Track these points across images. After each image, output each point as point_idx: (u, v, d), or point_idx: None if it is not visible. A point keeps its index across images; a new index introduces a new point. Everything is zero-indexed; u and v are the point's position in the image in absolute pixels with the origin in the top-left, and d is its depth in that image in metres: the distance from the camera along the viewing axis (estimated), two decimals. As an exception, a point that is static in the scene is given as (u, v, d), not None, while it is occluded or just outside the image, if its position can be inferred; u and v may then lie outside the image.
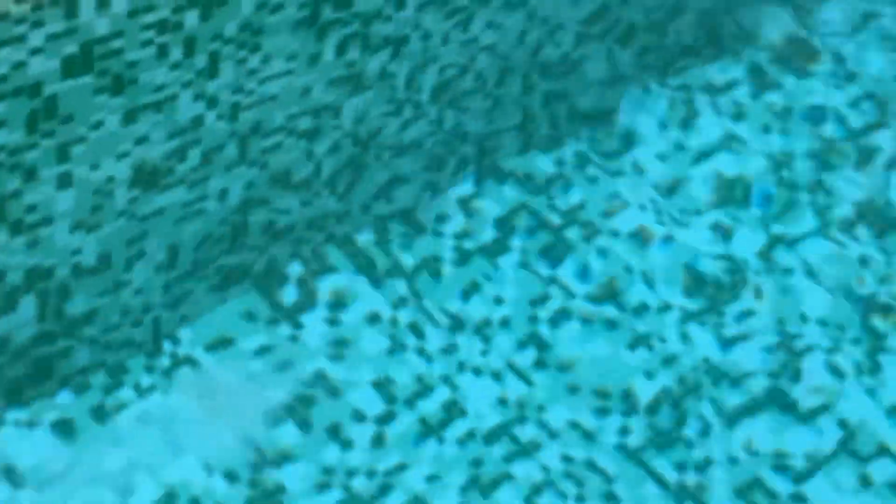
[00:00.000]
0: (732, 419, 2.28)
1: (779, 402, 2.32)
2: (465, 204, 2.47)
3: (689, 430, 2.25)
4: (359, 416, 2.18)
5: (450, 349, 2.30)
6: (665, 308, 2.41)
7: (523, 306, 2.37)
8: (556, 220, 2.49)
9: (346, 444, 2.14)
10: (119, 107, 1.86)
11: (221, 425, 2.08)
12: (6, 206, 1.85)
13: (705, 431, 2.25)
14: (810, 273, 2.51)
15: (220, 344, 2.19)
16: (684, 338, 2.37)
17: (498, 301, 2.37)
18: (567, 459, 2.17)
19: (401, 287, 2.34)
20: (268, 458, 2.09)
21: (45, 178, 1.85)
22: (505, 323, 2.34)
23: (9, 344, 2.01)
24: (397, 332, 2.28)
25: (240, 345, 2.18)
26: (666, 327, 2.38)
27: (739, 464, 2.22)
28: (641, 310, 2.40)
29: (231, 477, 2.05)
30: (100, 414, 2.07)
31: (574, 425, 2.21)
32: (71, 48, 1.76)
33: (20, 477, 1.98)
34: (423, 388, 2.23)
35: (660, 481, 2.16)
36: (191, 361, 2.17)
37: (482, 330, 2.33)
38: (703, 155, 2.69)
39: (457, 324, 2.33)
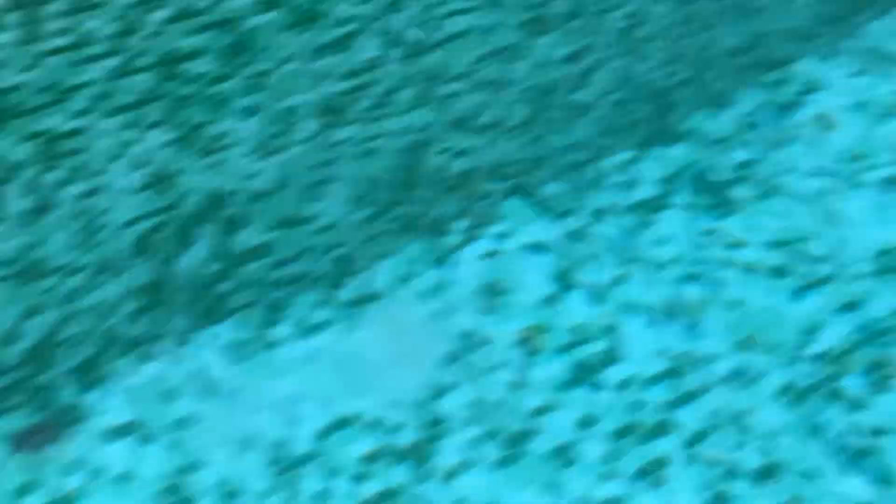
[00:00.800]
0: None
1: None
2: (634, 161, 2.47)
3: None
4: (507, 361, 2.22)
5: (616, 285, 2.31)
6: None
7: (690, 252, 2.36)
8: (726, 176, 2.47)
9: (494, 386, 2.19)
10: (306, 42, 1.91)
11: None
12: (198, 133, 1.91)
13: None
14: None
15: (401, 282, 2.23)
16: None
17: (665, 244, 2.37)
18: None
19: (571, 228, 2.36)
20: (434, 392, 2.14)
21: (235, 108, 1.91)
22: (675, 261, 2.34)
23: (198, 275, 2.08)
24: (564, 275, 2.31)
25: (416, 285, 2.23)
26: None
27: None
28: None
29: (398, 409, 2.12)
30: (274, 343, 2.14)
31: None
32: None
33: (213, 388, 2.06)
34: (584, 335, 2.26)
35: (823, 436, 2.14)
36: (374, 297, 2.22)
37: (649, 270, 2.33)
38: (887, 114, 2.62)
39: (626, 261, 2.34)
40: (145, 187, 1.89)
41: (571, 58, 2.31)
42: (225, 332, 2.16)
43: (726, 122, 2.58)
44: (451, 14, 2.09)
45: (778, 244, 2.43)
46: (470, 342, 2.23)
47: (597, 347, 2.26)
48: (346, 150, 2.12)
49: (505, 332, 2.25)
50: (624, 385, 2.23)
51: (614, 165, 2.46)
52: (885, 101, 2.69)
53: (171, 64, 1.79)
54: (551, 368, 2.24)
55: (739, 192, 2.47)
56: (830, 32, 2.71)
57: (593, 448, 2.16)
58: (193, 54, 1.79)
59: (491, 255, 2.33)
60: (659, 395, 2.23)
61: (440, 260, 2.31)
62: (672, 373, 2.26)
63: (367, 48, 2.00)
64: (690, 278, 2.39)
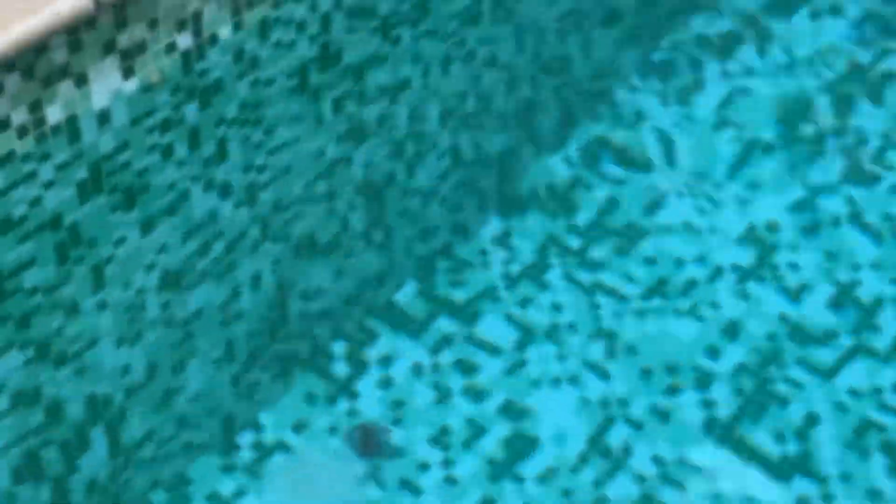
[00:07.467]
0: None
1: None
2: (499, 238, 2.48)
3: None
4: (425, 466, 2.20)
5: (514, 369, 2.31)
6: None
7: (581, 311, 2.37)
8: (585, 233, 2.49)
9: (417, 493, 2.17)
10: (136, 219, 1.88)
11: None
12: (52, 342, 1.87)
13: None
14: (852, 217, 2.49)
15: (296, 428, 2.21)
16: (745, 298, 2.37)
17: (555, 310, 2.37)
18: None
19: (449, 325, 2.36)
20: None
21: (85, 307, 1.87)
22: (572, 328, 2.34)
23: (96, 484, 2.03)
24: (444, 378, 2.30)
25: (312, 427, 2.20)
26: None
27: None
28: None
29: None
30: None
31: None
32: (81, 172, 1.78)
33: None
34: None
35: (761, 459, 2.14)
36: (278, 448, 2.18)
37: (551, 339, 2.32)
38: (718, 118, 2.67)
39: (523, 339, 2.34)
40: (9, 412, 1.83)
41: (396, 152, 2.31)
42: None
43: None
44: (275, 150, 2.08)
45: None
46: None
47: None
48: (203, 315, 2.09)
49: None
50: None
51: (473, 250, 2.45)
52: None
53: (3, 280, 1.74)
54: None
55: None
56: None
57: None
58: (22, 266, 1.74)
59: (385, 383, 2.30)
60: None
61: (332, 398, 2.28)
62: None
63: (199, 207, 1.97)
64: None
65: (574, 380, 2.26)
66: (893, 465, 2.13)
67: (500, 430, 2.20)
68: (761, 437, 2.15)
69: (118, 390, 1.97)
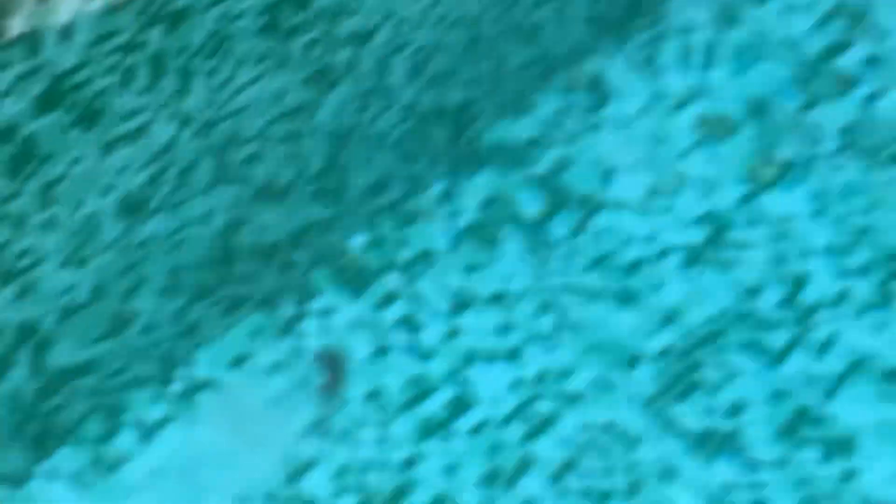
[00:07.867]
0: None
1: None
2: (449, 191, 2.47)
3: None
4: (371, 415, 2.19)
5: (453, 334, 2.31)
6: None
7: (527, 281, 2.37)
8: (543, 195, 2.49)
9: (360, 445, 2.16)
10: (94, 140, 1.87)
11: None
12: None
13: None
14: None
15: (237, 363, 2.19)
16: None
17: (501, 279, 2.37)
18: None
19: (394, 282, 2.35)
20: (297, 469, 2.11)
21: (33, 222, 1.86)
22: (516, 298, 2.34)
23: (19, 399, 2.01)
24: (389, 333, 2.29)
25: (255, 362, 2.19)
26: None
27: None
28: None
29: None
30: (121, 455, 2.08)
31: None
32: (40, 86, 1.76)
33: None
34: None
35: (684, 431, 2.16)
36: (210, 385, 2.17)
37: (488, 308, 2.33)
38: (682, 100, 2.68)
39: (461, 304, 2.34)
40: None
41: (363, 102, 2.30)
42: (63, 461, 2.08)
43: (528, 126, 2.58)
44: (239, 89, 2.07)
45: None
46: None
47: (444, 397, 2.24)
48: (155, 244, 2.07)
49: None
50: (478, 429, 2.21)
51: (426, 203, 2.45)
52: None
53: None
54: (406, 425, 2.21)
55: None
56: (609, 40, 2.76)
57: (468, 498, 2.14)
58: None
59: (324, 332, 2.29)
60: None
61: (280, 334, 2.26)
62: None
63: (158, 135, 1.95)
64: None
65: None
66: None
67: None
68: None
69: (56, 312, 1.95)
